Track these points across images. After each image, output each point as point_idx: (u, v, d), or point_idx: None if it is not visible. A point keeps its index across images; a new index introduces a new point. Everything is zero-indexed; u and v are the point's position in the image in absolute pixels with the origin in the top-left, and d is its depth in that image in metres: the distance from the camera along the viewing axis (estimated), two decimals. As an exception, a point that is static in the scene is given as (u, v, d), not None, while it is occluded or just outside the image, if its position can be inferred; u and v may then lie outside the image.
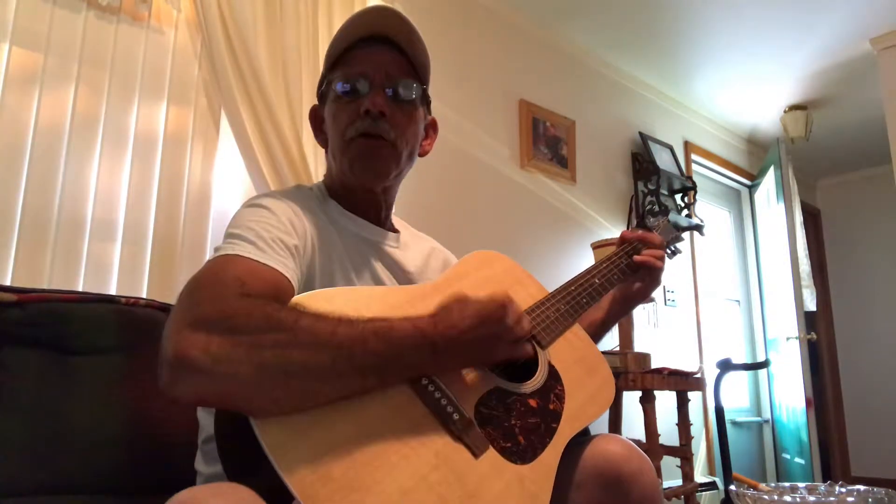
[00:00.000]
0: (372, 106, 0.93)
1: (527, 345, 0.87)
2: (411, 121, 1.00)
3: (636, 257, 1.17)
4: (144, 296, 1.68)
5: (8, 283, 1.50)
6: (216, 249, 0.81)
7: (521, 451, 0.81)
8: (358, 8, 2.19)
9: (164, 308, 1.27)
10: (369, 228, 1.03)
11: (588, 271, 1.11)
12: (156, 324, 1.22)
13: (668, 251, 1.32)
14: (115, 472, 1.08)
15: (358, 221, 1.02)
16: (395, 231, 1.08)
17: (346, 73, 0.97)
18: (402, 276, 1.05)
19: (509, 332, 0.80)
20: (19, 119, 1.59)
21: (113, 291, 1.66)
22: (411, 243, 1.11)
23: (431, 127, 1.10)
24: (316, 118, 1.07)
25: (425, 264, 1.11)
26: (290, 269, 0.82)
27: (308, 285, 0.89)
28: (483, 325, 0.77)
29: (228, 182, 1.95)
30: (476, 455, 0.76)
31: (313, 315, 0.70)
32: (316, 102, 1.08)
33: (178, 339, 0.65)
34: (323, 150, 1.08)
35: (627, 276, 1.15)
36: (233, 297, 0.70)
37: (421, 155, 1.07)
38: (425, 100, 1.04)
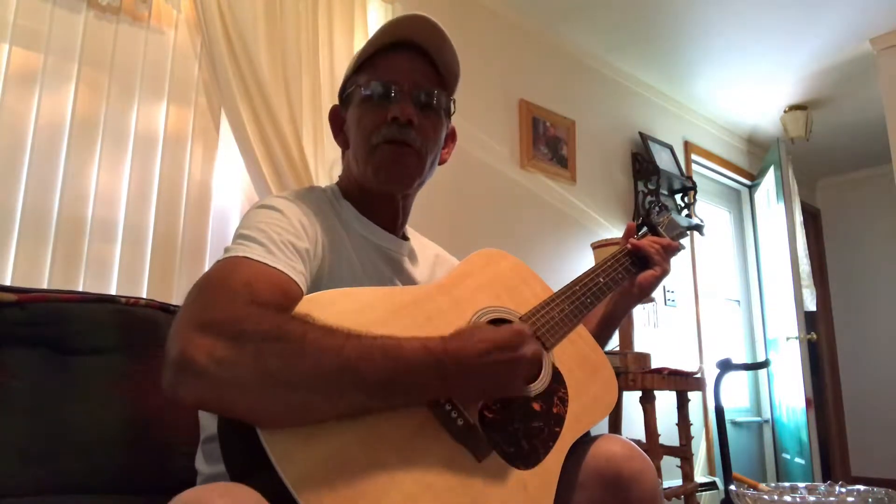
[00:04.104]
0: (401, 114, 0.92)
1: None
2: (436, 129, 0.99)
3: (639, 241, 1.16)
4: (144, 296, 1.68)
5: (8, 283, 1.50)
6: (226, 250, 0.80)
7: (525, 456, 0.81)
8: (358, 8, 2.19)
9: (164, 308, 1.27)
10: (381, 235, 1.01)
11: (592, 270, 1.10)
12: (156, 324, 1.21)
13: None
14: (114, 472, 1.08)
15: (371, 227, 1.00)
16: (407, 239, 1.07)
17: (374, 78, 0.95)
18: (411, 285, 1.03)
19: (524, 361, 0.77)
20: (19, 119, 1.59)
21: (113, 291, 1.65)
22: (420, 252, 1.10)
23: (451, 136, 1.08)
24: (337, 119, 1.05)
25: (432, 273, 1.10)
26: (299, 273, 0.81)
27: (316, 289, 0.88)
28: (497, 350, 0.74)
29: (228, 182, 1.95)
30: (480, 460, 0.76)
31: (322, 328, 0.68)
32: (337, 103, 1.06)
33: (184, 340, 0.64)
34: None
35: (632, 275, 1.14)
36: (242, 302, 0.69)
37: (440, 163, 1.04)
38: (449, 109, 1.02)
